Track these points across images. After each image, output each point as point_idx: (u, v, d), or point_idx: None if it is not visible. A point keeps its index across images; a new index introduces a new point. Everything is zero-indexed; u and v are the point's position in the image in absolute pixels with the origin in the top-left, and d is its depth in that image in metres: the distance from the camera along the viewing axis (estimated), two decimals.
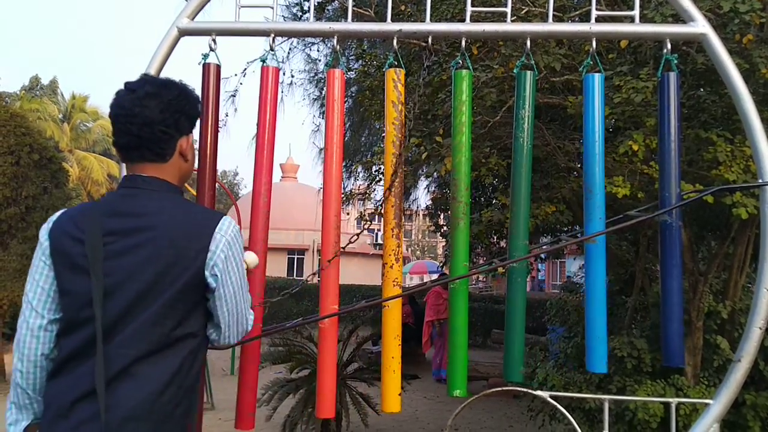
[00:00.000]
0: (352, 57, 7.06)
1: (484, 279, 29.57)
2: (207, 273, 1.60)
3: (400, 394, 2.47)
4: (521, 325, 2.41)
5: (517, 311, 2.40)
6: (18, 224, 9.47)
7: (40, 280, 1.63)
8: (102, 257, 1.55)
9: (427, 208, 12.16)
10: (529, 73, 2.44)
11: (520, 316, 2.40)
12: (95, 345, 1.51)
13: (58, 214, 1.71)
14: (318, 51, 10.02)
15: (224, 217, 1.69)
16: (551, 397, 2.63)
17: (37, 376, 1.63)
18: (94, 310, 1.52)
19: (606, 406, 2.53)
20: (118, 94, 1.68)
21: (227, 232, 1.64)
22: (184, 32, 2.55)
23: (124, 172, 1.76)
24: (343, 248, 2.47)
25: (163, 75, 2.58)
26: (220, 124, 2.63)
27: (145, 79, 1.72)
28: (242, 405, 2.43)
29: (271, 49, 2.59)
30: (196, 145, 2.54)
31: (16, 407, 1.68)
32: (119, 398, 1.49)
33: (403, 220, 2.54)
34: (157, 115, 1.64)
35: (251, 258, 2.05)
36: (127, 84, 1.69)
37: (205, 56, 2.55)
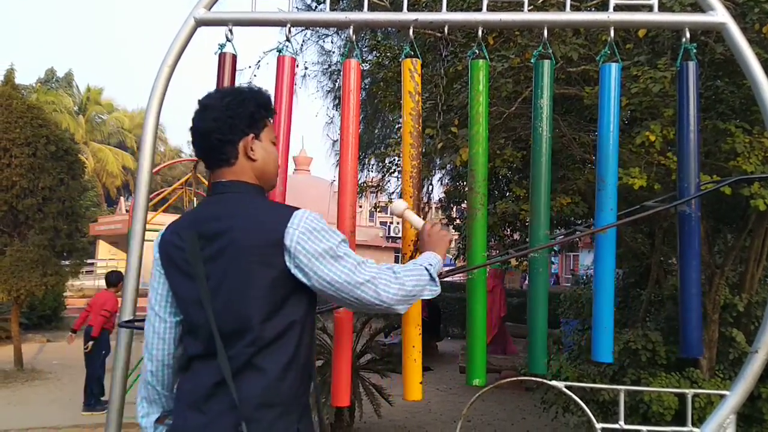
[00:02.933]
0: (365, 49, 7.04)
1: None
2: (291, 268, 1.64)
3: (421, 383, 2.47)
4: (544, 316, 2.37)
5: (539, 303, 2.37)
6: (35, 215, 9.58)
7: (158, 288, 1.76)
8: (201, 262, 1.66)
9: (439, 201, 12.14)
10: (546, 62, 2.42)
11: (542, 308, 2.37)
12: (208, 346, 1.63)
13: (164, 227, 1.82)
14: (332, 43, 10.04)
15: (296, 211, 1.70)
16: (566, 387, 2.62)
17: (165, 374, 1.78)
18: (205, 311, 1.63)
19: (621, 397, 2.52)
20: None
21: (299, 225, 1.65)
22: (200, 22, 2.55)
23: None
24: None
25: (179, 66, 2.60)
26: None
27: (208, 93, 1.84)
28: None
29: (287, 39, 2.59)
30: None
31: (146, 401, 1.81)
32: (248, 389, 1.59)
33: (420, 210, 2.54)
34: (211, 124, 1.75)
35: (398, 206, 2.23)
36: (198, 99, 1.83)
37: (222, 46, 2.55)
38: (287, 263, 1.63)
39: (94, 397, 7.50)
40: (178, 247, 1.70)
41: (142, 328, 2.31)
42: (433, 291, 1.84)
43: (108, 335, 7.64)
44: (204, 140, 1.77)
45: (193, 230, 1.69)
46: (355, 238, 2.51)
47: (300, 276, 1.64)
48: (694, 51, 2.39)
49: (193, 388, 1.65)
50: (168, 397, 1.81)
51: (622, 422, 2.51)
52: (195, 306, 1.66)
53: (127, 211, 26.78)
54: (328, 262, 1.65)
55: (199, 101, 1.81)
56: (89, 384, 7.54)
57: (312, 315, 1.75)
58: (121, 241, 28.88)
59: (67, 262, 10.39)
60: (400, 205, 2.24)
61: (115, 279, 7.89)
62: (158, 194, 10.29)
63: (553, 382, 2.57)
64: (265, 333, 1.61)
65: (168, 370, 1.78)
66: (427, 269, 1.83)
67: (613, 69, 2.39)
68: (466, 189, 2.49)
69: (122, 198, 36.25)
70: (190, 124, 1.81)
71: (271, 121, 1.89)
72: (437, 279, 1.86)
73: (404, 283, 1.74)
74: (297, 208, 1.71)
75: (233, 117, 1.75)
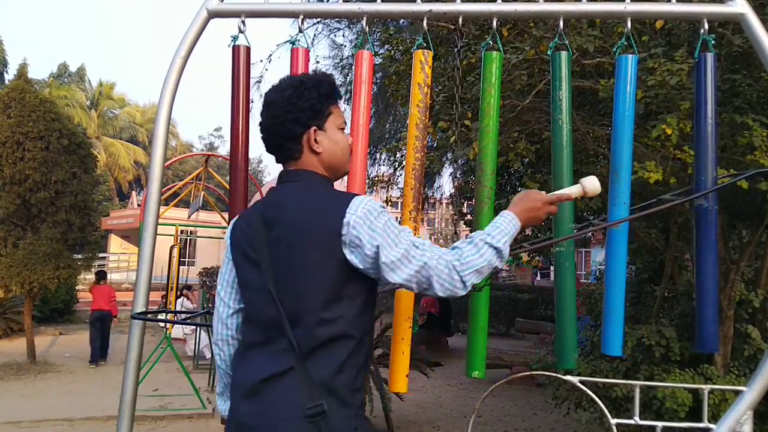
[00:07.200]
0: (377, 43, 7.02)
1: (508, 267, 29.40)
2: (347, 254, 1.60)
3: (407, 375, 2.46)
4: (572, 311, 2.35)
5: (566, 297, 2.34)
6: (48, 208, 9.63)
7: (225, 274, 1.78)
8: (266, 248, 1.64)
9: (450, 196, 12.11)
10: (563, 53, 2.39)
11: (570, 302, 2.34)
12: (270, 331, 1.62)
13: (239, 215, 1.84)
14: (343, 36, 10.03)
15: (355, 197, 1.64)
16: (579, 383, 2.60)
17: (231, 357, 1.80)
18: (270, 297, 1.60)
19: (637, 392, 2.50)
20: None
21: (357, 210, 1.60)
22: (213, 14, 2.54)
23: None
24: None
25: (192, 58, 2.58)
26: None
27: (272, 86, 1.79)
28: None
29: (300, 31, 2.57)
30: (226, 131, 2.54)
31: (223, 389, 1.86)
32: (312, 373, 1.56)
33: (422, 203, 2.51)
34: (271, 122, 1.74)
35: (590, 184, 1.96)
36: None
37: (235, 38, 2.54)
38: (344, 250, 1.59)
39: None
40: (244, 232, 1.70)
41: (154, 320, 2.32)
42: (499, 261, 1.67)
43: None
44: (270, 140, 1.76)
45: (258, 216, 1.69)
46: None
47: (356, 261, 1.59)
48: (713, 42, 2.35)
49: (248, 376, 1.63)
50: None
51: (637, 418, 2.49)
52: (259, 292, 1.64)
53: (138, 205, 26.93)
54: (385, 244, 1.58)
55: (264, 97, 1.79)
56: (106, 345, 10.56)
57: (371, 306, 1.71)
58: (132, 235, 29.07)
59: (79, 256, 10.46)
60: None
61: (104, 275, 11.20)
62: (169, 188, 10.31)
63: (568, 377, 2.55)
64: (322, 324, 1.58)
65: (230, 354, 1.80)
66: (488, 242, 1.66)
67: (630, 60, 2.35)
68: (475, 182, 2.47)
69: (134, 192, 36.46)
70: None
71: (337, 107, 1.81)
72: (502, 246, 1.66)
73: (463, 271, 1.60)
74: (356, 195, 1.66)
75: (291, 111, 1.71)
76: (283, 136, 1.73)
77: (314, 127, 1.73)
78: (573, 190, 1.99)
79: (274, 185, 1.80)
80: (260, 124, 1.77)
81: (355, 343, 1.62)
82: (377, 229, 1.58)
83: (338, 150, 1.78)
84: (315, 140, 1.73)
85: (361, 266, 1.60)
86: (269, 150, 1.79)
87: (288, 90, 1.73)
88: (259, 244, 1.65)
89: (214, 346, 1.81)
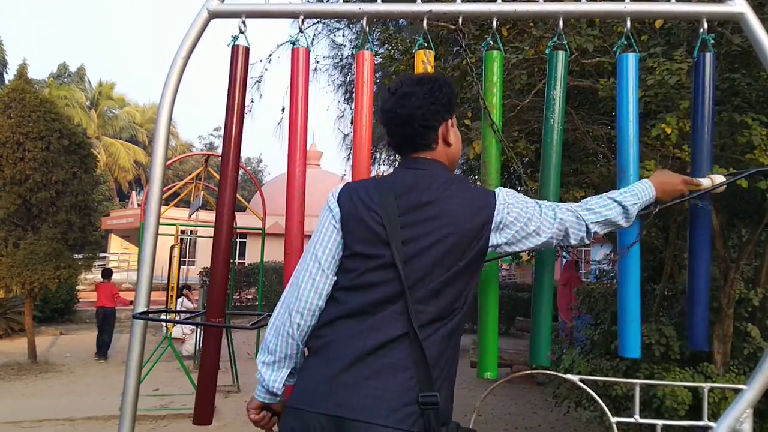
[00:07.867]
0: (377, 43, 7.03)
1: (508, 266, 29.39)
2: (494, 237, 1.76)
3: None
4: (548, 308, 2.35)
5: (544, 294, 2.35)
6: (48, 209, 9.64)
7: (327, 243, 1.77)
8: (399, 226, 1.69)
9: None
10: (561, 53, 2.40)
11: (547, 300, 2.35)
12: (385, 303, 1.66)
13: (341, 185, 1.86)
14: (343, 36, 10.03)
15: (496, 190, 1.83)
16: (580, 381, 2.60)
17: (309, 328, 1.77)
18: (389, 273, 1.66)
19: (637, 391, 2.50)
20: (384, 98, 1.91)
21: (505, 198, 1.79)
22: (214, 14, 2.55)
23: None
24: None
25: (193, 57, 2.59)
26: (246, 109, 2.63)
27: (402, 80, 1.90)
28: None
29: (300, 31, 2.58)
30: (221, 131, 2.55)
31: (279, 357, 1.78)
32: (423, 339, 1.62)
33: None
34: (414, 111, 1.81)
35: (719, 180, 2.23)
36: (389, 87, 1.90)
37: (235, 38, 2.55)
38: (492, 234, 1.74)
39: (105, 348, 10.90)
40: (368, 207, 1.73)
41: (155, 320, 2.31)
42: (624, 220, 1.96)
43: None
44: (406, 127, 1.84)
45: (389, 195, 1.74)
46: None
47: (501, 239, 1.76)
48: (712, 42, 2.36)
49: (354, 344, 1.64)
50: (302, 353, 1.80)
51: (637, 416, 2.50)
52: (380, 268, 1.68)
53: (138, 205, 26.92)
54: (530, 216, 1.80)
55: (395, 89, 1.86)
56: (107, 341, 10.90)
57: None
58: (132, 235, 29.10)
59: (79, 256, 10.48)
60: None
61: (109, 273, 11.74)
62: (170, 188, 10.31)
63: (568, 376, 2.56)
64: (440, 306, 1.66)
65: (310, 326, 1.76)
66: (615, 200, 1.95)
67: (631, 59, 2.36)
68: (478, 182, 2.47)
69: (134, 192, 36.47)
70: (382, 111, 1.87)
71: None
72: (629, 206, 1.95)
73: (587, 219, 1.89)
74: (494, 190, 1.84)
75: (435, 104, 1.82)
76: (424, 126, 1.82)
77: (450, 120, 1.89)
78: (703, 181, 2.22)
79: (395, 167, 1.92)
80: (393, 115, 1.85)
81: (454, 328, 1.70)
82: (523, 208, 1.80)
83: (460, 144, 1.94)
84: (449, 133, 1.87)
85: (503, 240, 1.77)
86: (399, 139, 1.88)
87: (427, 84, 1.84)
88: (389, 222, 1.69)
89: (295, 314, 1.74)
